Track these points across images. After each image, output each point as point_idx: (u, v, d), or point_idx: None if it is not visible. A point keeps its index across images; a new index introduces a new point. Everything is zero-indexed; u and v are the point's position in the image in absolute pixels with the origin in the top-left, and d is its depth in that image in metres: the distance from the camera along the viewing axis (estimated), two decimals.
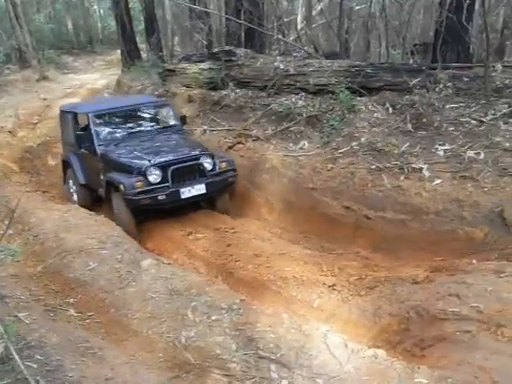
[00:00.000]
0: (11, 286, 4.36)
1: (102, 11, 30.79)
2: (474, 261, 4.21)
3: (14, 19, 18.53)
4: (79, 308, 4.16)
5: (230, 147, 7.48)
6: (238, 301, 3.74)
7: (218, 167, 6.08)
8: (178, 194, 5.77)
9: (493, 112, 5.75)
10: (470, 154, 5.35)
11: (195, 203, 6.19)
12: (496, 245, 4.52)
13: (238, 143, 7.48)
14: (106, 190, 6.26)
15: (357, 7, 12.46)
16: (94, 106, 7.49)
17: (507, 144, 5.29)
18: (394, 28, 9.41)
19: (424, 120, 6.04)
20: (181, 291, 3.99)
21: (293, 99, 7.56)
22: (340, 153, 6.27)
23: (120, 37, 16.04)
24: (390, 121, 6.36)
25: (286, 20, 13.25)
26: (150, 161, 5.85)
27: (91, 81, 17.42)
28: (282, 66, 8.07)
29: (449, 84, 6.31)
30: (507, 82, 6.00)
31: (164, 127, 7.11)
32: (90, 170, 6.83)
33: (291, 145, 6.90)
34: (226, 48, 9.65)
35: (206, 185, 5.90)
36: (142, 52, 16.56)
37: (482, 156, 5.28)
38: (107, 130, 6.79)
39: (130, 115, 7.18)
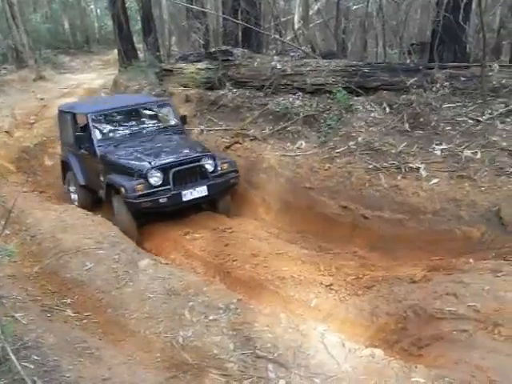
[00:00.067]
0: (8, 286, 4.34)
1: (98, 11, 30.73)
2: (471, 260, 4.22)
3: (10, 19, 18.48)
4: (76, 308, 4.16)
5: (227, 147, 7.47)
6: (235, 300, 3.74)
7: (219, 168, 6.01)
8: (179, 196, 5.69)
9: (489, 111, 5.76)
10: (467, 153, 5.37)
11: (196, 205, 6.12)
12: (493, 244, 4.53)
13: (236, 143, 7.47)
14: (106, 192, 6.20)
15: (354, 7, 12.48)
16: (93, 106, 7.38)
17: (504, 143, 5.30)
18: (391, 28, 9.41)
19: (421, 119, 6.04)
20: (178, 291, 3.99)
21: (290, 99, 7.53)
22: (337, 152, 6.27)
23: (117, 36, 15.98)
24: (387, 120, 6.36)
25: (283, 20, 13.23)
26: (150, 163, 5.76)
27: (88, 81, 17.35)
28: (279, 66, 8.07)
29: (446, 83, 6.32)
30: (504, 81, 6.01)
31: (164, 127, 7.00)
32: (90, 171, 6.75)
33: (288, 144, 6.89)
34: (223, 48, 9.61)
35: (208, 187, 5.83)
36: (138, 52, 16.50)
37: (478, 155, 5.29)
38: (107, 130, 6.71)
39: (130, 115, 7.08)
